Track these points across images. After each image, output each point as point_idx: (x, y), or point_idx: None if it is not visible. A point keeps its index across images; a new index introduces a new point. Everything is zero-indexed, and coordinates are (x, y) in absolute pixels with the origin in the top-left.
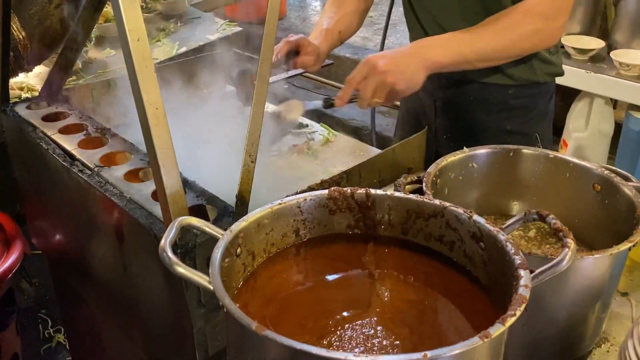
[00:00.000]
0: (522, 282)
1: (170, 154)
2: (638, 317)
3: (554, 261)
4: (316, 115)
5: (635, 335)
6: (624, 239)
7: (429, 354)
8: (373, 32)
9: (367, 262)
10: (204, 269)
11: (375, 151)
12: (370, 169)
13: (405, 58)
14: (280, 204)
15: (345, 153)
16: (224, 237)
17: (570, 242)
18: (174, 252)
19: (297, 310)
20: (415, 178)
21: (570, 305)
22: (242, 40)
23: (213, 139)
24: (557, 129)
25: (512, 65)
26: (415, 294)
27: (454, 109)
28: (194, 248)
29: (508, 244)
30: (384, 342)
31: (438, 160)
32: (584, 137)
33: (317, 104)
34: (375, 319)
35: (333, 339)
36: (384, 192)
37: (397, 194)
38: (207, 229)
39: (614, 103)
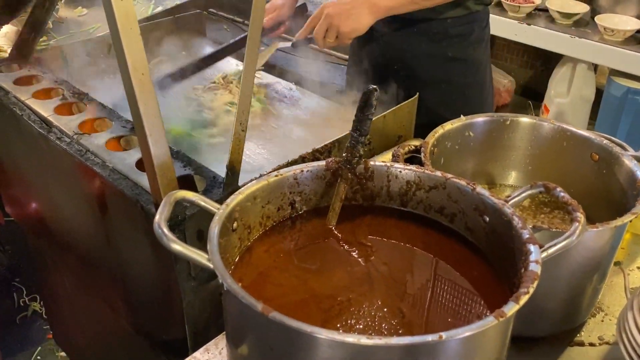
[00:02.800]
0: (532, 257)
1: (158, 122)
2: (634, 288)
3: (565, 235)
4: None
5: (635, 306)
6: (622, 210)
7: (444, 335)
8: None
9: (365, 235)
10: (194, 242)
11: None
12: None
13: (352, 4)
14: (276, 175)
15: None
16: (220, 211)
17: (580, 216)
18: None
19: (296, 289)
20: (413, 148)
21: (569, 277)
22: (220, 0)
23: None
24: (539, 94)
25: (444, 5)
26: (417, 267)
27: (400, 43)
28: (183, 221)
29: (515, 217)
30: (393, 322)
31: (435, 129)
32: (566, 103)
33: (286, 44)
34: (380, 296)
35: (339, 319)
36: (384, 163)
37: (397, 165)
38: (203, 203)
39: (595, 68)
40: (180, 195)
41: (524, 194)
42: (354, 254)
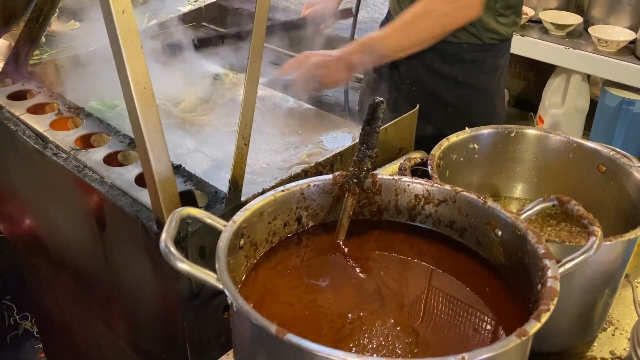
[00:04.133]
0: (549, 273)
1: (160, 137)
2: None
3: (582, 250)
4: None
5: None
6: (632, 222)
7: (467, 356)
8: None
9: (374, 250)
10: (196, 259)
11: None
12: None
13: (333, 59)
14: (283, 190)
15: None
16: (227, 228)
17: (598, 230)
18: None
19: (306, 307)
20: (419, 161)
21: (581, 291)
22: (216, 13)
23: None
24: (533, 105)
25: (461, 30)
26: (428, 283)
27: (414, 58)
28: (185, 238)
29: (529, 232)
30: (407, 340)
31: (441, 142)
32: (560, 114)
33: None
34: (392, 314)
35: (352, 339)
36: (392, 177)
37: (405, 178)
38: (209, 220)
39: (588, 79)
40: (186, 213)
41: (537, 207)
42: (363, 270)
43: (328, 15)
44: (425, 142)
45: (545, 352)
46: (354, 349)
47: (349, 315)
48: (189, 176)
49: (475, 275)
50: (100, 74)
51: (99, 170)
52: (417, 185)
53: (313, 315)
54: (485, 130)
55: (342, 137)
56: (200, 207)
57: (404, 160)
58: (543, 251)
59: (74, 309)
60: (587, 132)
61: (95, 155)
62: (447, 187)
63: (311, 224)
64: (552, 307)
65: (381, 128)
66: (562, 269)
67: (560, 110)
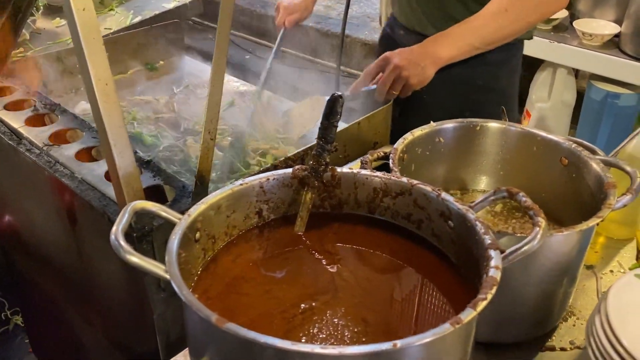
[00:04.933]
0: (492, 263)
1: (123, 132)
2: (604, 292)
3: (525, 240)
4: None
5: (602, 311)
6: (591, 214)
7: (399, 343)
8: (336, 1)
9: (333, 243)
10: (163, 253)
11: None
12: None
13: (418, 55)
14: (241, 184)
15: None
16: (181, 222)
17: (542, 221)
18: (129, 237)
19: (261, 298)
20: (382, 154)
21: (538, 282)
22: (200, 9)
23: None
24: (520, 100)
25: None
26: (383, 274)
27: None
28: (150, 232)
29: (477, 223)
30: (356, 329)
31: (405, 136)
32: (547, 108)
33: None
34: (344, 304)
35: (302, 328)
36: (350, 171)
37: (363, 172)
38: (164, 214)
39: (576, 73)
40: (140, 206)
41: (487, 200)
42: (320, 262)
43: (304, 19)
44: None
45: (505, 342)
46: (303, 338)
47: (302, 305)
48: (158, 171)
49: (431, 266)
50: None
51: (70, 166)
52: (375, 179)
53: (267, 305)
54: (450, 124)
55: None
56: (168, 201)
57: (367, 155)
58: (489, 242)
59: (56, 304)
60: (574, 126)
61: (68, 151)
62: (404, 179)
63: (272, 216)
64: (489, 296)
65: (354, 122)
66: (506, 260)
67: (547, 104)
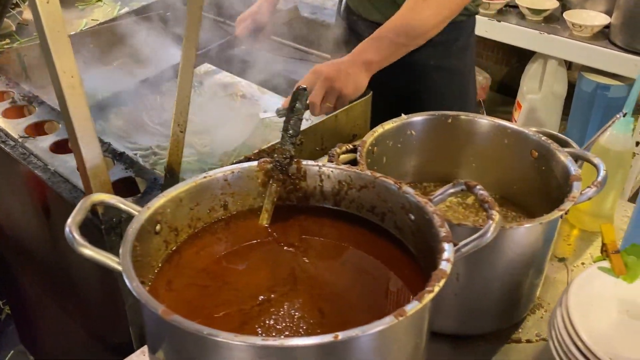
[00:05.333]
0: (444, 255)
1: (89, 125)
2: (567, 286)
3: (478, 234)
4: None
5: (563, 303)
6: (559, 206)
7: (340, 335)
8: None
9: (298, 235)
10: None
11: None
12: (311, 136)
13: (348, 64)
14: (205, 177)
15: None
16: (139, 214)
17: (495, 215)
18: (97, 229)
19: (221, 290)
20: (351, 147)
21: (502, 274)
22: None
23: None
24: (512, 91)
25: None
26: (345, 266)
27: None
28: (119, 223)
29: (435, 215)
30: (311, 321)
31: (375, 129)
32: (537, 99)
33: (270, 115)
34: (302, 296)
35: (258, 320)
36: (315, 163)
37: (328, 165)
38: (122, 206)
39: (569, 64)
40: (98, 199)
41: (446, 192)
42: (283, 254)
43: (263, 25)
44: None
45: (471, 334)
46: (259, 329)
47: (260, 297)
48: (130, 163)
49: (393, 258)
50: None
51: (43, 158)
52: (340, 172)
53: (226, 297)
54: (422, 117)
55: None
56: (138, 194)
57: (335, 147)
58: (444, 234)
59: (40, 294)
60: (565, 117)
61: (43, 143)
62: (367, 173)
63: (238, 209)
64: (436, 289)
65: (332, 115)
66: (458, 253)
67: (537, 96)
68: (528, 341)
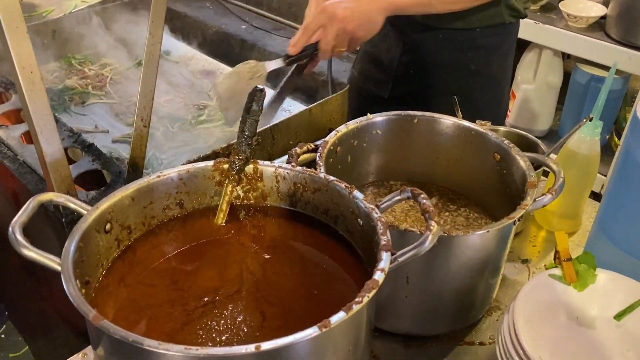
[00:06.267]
0: (380, 265)
1: (49, 120)
2: (517, 292)
3: (415, 244)
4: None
5: (511, 309)
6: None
7: (263, 346)
8: None
9: (252, 235)
10: None
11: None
12: (284, 130)
13: (364, 2)
14: (158, 176)
15: None
16: (87, 214)
17: (433, 225)
18: (59, 223)
19: (167, 289)
20: (312, 147)
21: (453, 277)
22: None
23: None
24: (513, 80)
25: (474, 13)
26: (294, 269)
27: (421, 47)
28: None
29: (379, 222)
30: (252, 324)
31: (338, 128)
32: (532, 89)
33: (278, 62)
34: (246, 298)
35: (200, 322)
36: (272, 165)
37: (284, 166)
38: (72, 205)
39: (567, 54)
40: (47, 198)
41: (393, 200)
42: (233, 254)
43: None
44: None
45: (424, 335)
46: (200, 331)
47: (205, 298)
48: (98, 155)
49: (343, 262)
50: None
51: (14, 147)
52: (295, 174)
53: (171, 297)
54: (386, 117)
55: None
56: (102, 187)
57: (296, 147)
58: (383, 243)
59: (21, 278)
60: (561, 106)
61: (15, 132)
62: (321, 176)
63: (194, 207)
64: (365, 300)
65: (305, 109)
66: (394, 263)
67: (532, 86)
68: (481, 344)
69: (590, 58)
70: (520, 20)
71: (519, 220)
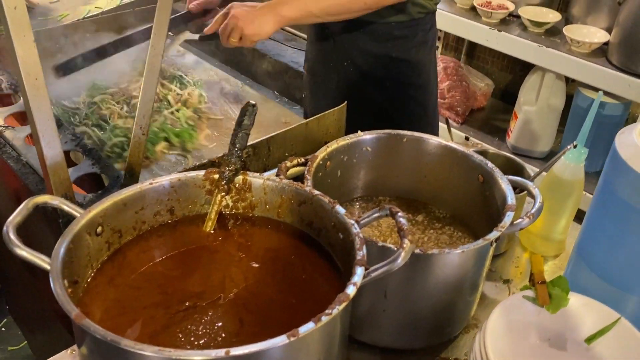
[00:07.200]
0: (353, 279)
1: (51, 125)
2: (491, 312)
3: (388, 260)
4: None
5: (483, 328)
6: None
7: (232, 351)
8: None
9: (238, 243)
10: None
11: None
12: (280, 142)
13: (259, 10)
14: (150, 183)
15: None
16: (79, 217)
17: (406, 243)
18: (56, 223)
19: (151, 292)
20: (302, 161)
21: (429, 294)
22: None
23: None
24: (514, 99)
25: (387, 9)
26: (276, 279)
27: (348, 39)
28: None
29: (357, 237)
30: (230, 330)
31: (329, 144)
32: (533, 111)
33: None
34: (227, 305)
35: (180, 325)
36: (260, 177)
37: (272, 178)
38: (65, 208)
39: (568, 78)
40: (42, 200)
41: (373, 216)
42: (219, 261)
43: (213, 4)
44: (370, 122)
45: (401, 348)
46: (180, 334)
47: (187, 303)
48: (97, 159)
49: (323, 274)
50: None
51: (19, 148)
52: (282, 186)
53: (154, 300)
54: (376, 135)
55: None
56: (99, 191)
57: (286, 161)
58: (359, 257)
59: (20, 274)
60: (561, 129)
61: (21, 134)
62: (306, 189)
63: (185, 214)
64: (334, 312)
65: (302, 123)
66: (367, 277)
67: (533, 108)
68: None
69: (591, 83)
70: (525, 42)
71: (496, 241)
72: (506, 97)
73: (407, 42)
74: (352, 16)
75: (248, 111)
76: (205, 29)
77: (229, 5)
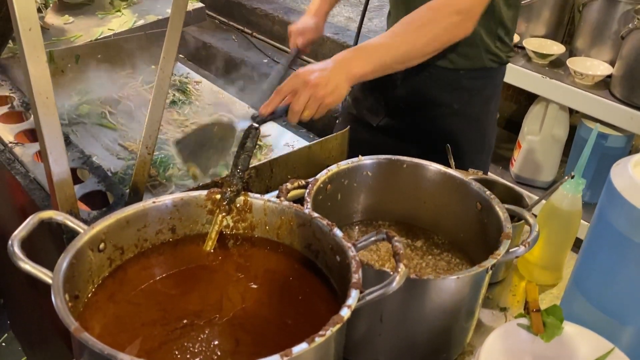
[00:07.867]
0: (347, 301)
1: (59, 142)
2: (485, 339)
3: (382, 284)
4: None
5: (476, 355)
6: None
7: None
8: (358, 13)
9: (237, 264)
10: None
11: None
12: (283, 165)
13: (332, 72)
14: (154, 202)
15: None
16: (82, 233)
17: (402, 268)
18: (60, 239)
19: (150, 309)
20: (303, 183)
21: (424, 320)
22: (203, 17)
23: None
24: (519, 129)
25: (458, 55)
26: (273, 299)
27: (412, 83)
28: None
29: (353, 260)
30: (226, 349)
31: (330, 167)
32: (537, 141)
33: (248, 122)
34: (224, 324)
35: (177, 342)
36: (261, 198)
37: (272, 200)
38: (70, 224)
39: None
40: (47, 215)
41: (370, 240)
42: (218, 281)
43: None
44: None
45: None
46: (176, 352)
47: (184, 321)
48: (103, 177)
49: (320, 297)
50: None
51: (27, 165)
52: (282, 208)
53: (153, 317)
54: (376, 160)
55: None
56: (104, 208)
57: (287, 183)
58: (354, 280)
59: (23, 290)
60: (565, 159)
61: (30, 150)
62: (305, 211)
63: (186, 233)
64: (328, 333)
65: (304, 146)
66: (362, 300)
67: (537, 138)
68: None
69: (594, 115)
70: (529, 73)
71: (492, 268)
72: (510, 127)
73: (474, 96)
74: (421, 60)
75: (251, 134)
76: (262, 108)
77: (294, 73)
